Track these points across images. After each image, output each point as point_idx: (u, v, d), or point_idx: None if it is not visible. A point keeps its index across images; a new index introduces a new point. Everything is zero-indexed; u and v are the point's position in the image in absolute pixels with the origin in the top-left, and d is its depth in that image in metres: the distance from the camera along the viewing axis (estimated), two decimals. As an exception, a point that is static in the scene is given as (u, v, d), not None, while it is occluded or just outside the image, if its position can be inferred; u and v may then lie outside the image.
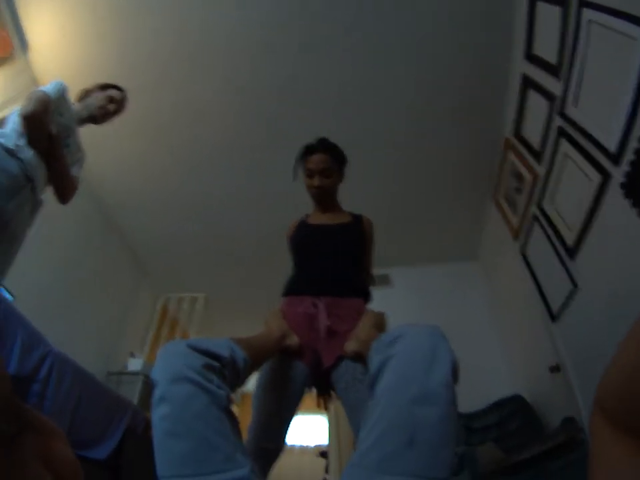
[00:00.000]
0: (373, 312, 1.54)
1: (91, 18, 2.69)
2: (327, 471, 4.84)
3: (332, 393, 1.58)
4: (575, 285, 2.30)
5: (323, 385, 1.58)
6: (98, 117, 2.24)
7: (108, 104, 2.25)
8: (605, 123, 1.88)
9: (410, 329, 0.95)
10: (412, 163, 3.55)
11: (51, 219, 2.59)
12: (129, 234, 4.40)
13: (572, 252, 2.29)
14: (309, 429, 7.86)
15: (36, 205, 1.97)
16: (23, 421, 0.31)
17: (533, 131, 2.64)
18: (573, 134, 2.18)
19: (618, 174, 1.82)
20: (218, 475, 0.77)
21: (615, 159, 1.81)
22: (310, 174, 1.79)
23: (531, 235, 2.84)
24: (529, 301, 2.99)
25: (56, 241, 3.30)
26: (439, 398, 0.79)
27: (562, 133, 2.28)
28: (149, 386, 3.81)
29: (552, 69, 2.28)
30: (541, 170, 2.62)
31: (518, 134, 2.88)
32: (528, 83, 2.60)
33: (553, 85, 2.30)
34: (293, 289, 1.67)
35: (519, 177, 2.96)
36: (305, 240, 1.80)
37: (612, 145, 1.81)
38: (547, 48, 2.30)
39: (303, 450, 7.71)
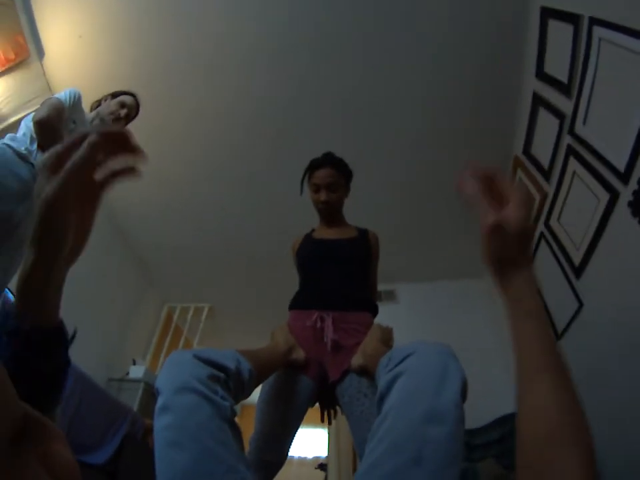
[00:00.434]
0: (380, 326, 1.53)
1: (109, 28, 2.73)
2: (325, 483, 4.79)
3: (337, 407, 1.57)
4: (580, 303, 2.28)
5: (328, 399, 1.57)
6: (109, 123, 2.24)
7: (119, 109, 2.26)
8: (614, 142, 1.87)
9: (420, 347, 0.94)
10: (420, 179, 3.55)
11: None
12: (137, 241, 4.41)
13: (578, 270, 2.27)
14: (308, 441, 7.83)
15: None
16: (23, 422, 0.31)
17: (542, 149, 2.64)
18: (582, 152, 2.17)
19: (626, 193, 1.81)
20: None
21: (624, 177, 1.80)
22: (316, 189, 1.77)
23: (538, 252, 2.83)
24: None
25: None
26: (448, 417, 0.78)
27: (571, 151, 2.28)
28: (149, 393, 3.80)
29: (562, 87, 2.28)
30: (549, 188, 2.61)
31: (527, 152, 2.87)
32: (538, 101, 2.60)
33: (563, 103, 2.30)
34: (300, 303, 1.66)
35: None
36: (311, 254, 1.79)
37: (621, 163, 1.81)
38: (557, 66, 2.31)
39: (302, 461, 7.67)
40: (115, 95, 2.31)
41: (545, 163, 2.61)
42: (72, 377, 2.43)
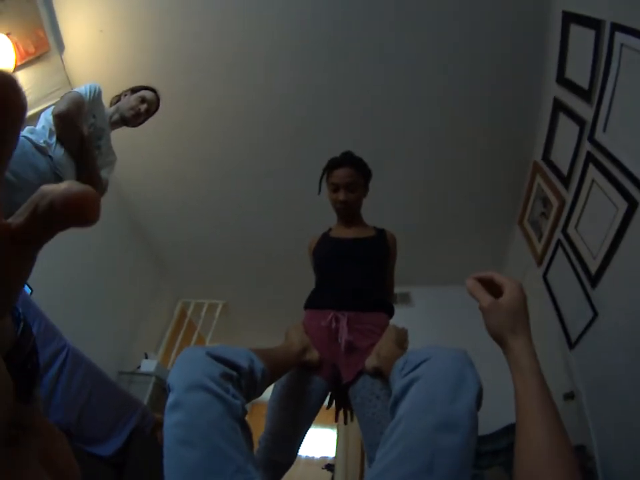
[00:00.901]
0: (395, 327, 1.52)
1: (130, 22, 2.75)
2: (331, 484, 4.78)
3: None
4: (595, 313, 2.25)
5: (341, 400, 1.57)
6: (130, 118, 2.25)
7: (139, 104, 2.25)
8: (633, 150, 1.85)
9: (437, 352, 0.94)
10: (439, 182, 3.53)
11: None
12: (154, 237, 4.44)
13: (594, 279, 2.24)
14: (316, 440, 7.83)
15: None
16: (24, 421, 0.31)
17: (562, 156, 2.60)
18: (601, 160, 2.14)
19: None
20: None
21: (643, 186, 1.77)
22: (335, 188, 1.76)
23: (554, 260, 2.79)
24: (548, 327, 2.93)
25: (81, 240, 3.34)
26: (462, 426, 0.78)
27: (590, 158, 2.25)
28: (160, 387, 3.82)
29: (583, 93, 2.25)
30: (567, 195, 2.58)
31: (547, 158, 2.84)
32: (559, 107, 2.57)
33: (584, 110, 2.27)
34: (315, 303, 1.66)
35: (545, 201, 2.91)
36: (328, 254, 1.78)
37: (640, 172, 1.78)
38: (578, 72, 2.28)
39: (309, 461, 7.67)
40: (134, 90, 2.30)
41: (564, 169, 2.58)
42: (82, 368, 2.45)
